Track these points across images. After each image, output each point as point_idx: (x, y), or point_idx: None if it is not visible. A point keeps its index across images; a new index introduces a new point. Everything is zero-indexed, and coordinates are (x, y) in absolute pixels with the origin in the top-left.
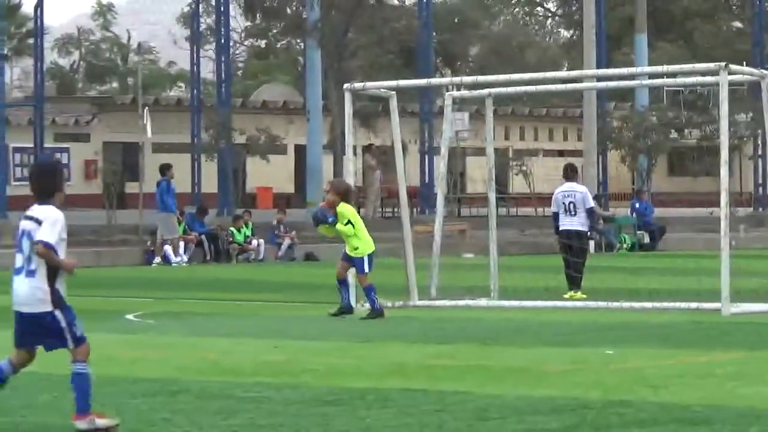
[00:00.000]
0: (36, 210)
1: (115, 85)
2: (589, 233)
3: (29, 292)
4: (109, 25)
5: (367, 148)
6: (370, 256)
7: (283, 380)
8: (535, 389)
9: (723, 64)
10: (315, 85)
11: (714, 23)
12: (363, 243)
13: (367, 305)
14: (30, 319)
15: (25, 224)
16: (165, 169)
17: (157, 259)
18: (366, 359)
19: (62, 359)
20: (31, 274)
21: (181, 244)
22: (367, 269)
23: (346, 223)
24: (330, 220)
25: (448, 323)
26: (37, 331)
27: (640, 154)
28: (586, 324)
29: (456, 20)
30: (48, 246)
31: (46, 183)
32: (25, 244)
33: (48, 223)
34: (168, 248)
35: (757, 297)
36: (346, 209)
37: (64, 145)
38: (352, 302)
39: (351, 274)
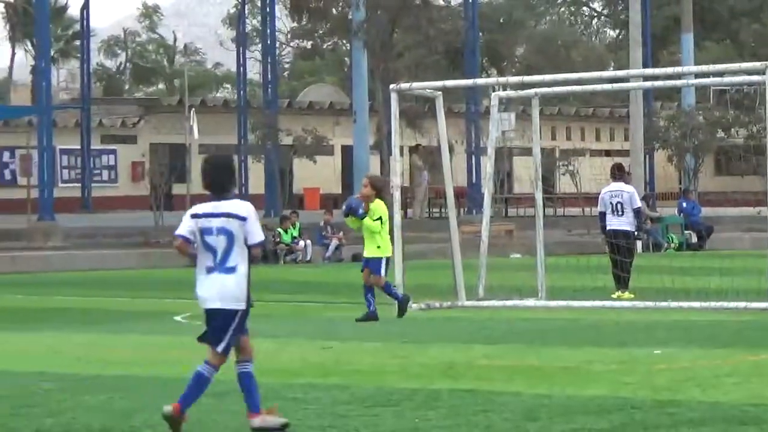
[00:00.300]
0: (226, 205)
1: (161, 86)
2: (636, 233)
3: (229, 288)
4: (155, 26)
5: (414, 149)
6: (387, 259)
7: (331, 381)
8: (583, 389)
9: None
10: (361, 85)
11: (760, 22)
12: (385, 244)
13: (415, 305)
14: (215, 314)
15: (214, 221)
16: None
17: None
18: (414, 360)
19: (109, 361)
20: (230, 270)
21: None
22: (383, 273)
23: (376, 219)
24: (360, 213)
25: (496, 323)
26: (217, 327)
27: (686, 154)
28: (634, 324)
29: (502, 20)
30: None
31: (223, 177)
32: (220, 240)
33: (255, 221)
34: None
35: None
36: (379, 205)
37: (111, 146)
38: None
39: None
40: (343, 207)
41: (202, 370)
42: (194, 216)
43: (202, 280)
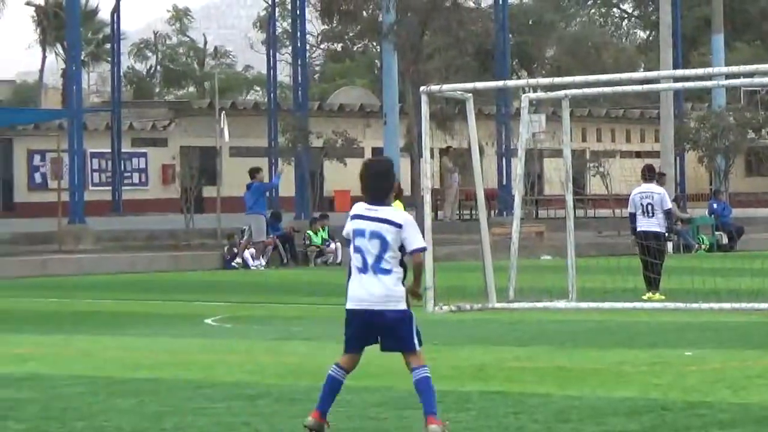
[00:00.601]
0: (382, 211)
1: (191, 89)
2: (666, 234)
3: (385, 290)
4: (185, 29)
5: (444, 151)
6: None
7: (362, 383)
8: (613, 391)
9: None
10: (392, 87)
11: None
12: None
13: (446, 307)
14: (377, 315)
15: (368, 225)
16: (255, 172)
17: (238, 260)
18: (445, 362)
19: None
20: (384, 272)
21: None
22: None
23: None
24: None
25: (527, 325)
26: (381, 330)
27: (717, 155)
28: (665, 325)
29: (532, 22)
30: (424, 252)
31: (383, 183)
32: (372, 244)
33: (413, 228)
34: (248, 252)
35: None
36: (401, 208)
37: (142, 149)
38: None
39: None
40: None
41: (426, 374)
42: (353, 217)
43: (353, 281)
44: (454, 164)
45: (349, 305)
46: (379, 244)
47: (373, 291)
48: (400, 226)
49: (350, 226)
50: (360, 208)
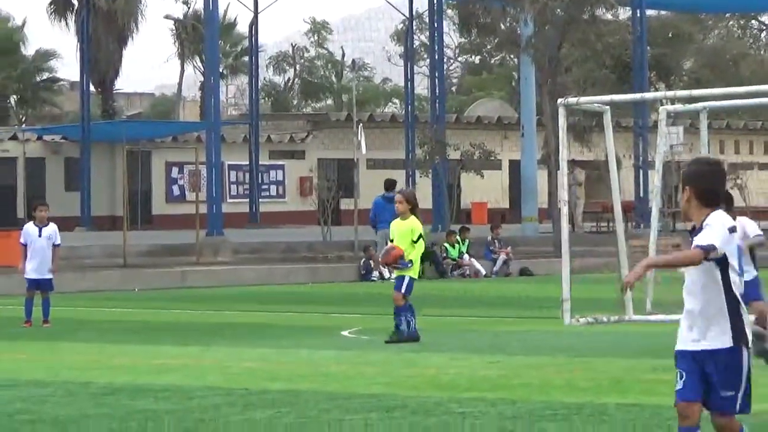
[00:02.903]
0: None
1: (329, 101)
2: None
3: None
4: (323, 42)
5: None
6: (412, 279)
7: (498, 395)
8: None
9: None
10: (529, 99)
11: None
12: (417, 263)
13: (583, 319)
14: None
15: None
16: (392, 185)
17: (375, 274)
18: (582, 374)
19: (277, 376)
20: None
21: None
22: (404, 291)
23: (417, 239)
24: (409, 265)
25: (664, 338)
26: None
27: None
28: None
29: (670, 34)
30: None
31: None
32: None
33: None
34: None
35: None
36: (416, 224)
37: (279, 162)
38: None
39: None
40: (384, 253)
41: None
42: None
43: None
44: (575, 178)
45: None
46: None
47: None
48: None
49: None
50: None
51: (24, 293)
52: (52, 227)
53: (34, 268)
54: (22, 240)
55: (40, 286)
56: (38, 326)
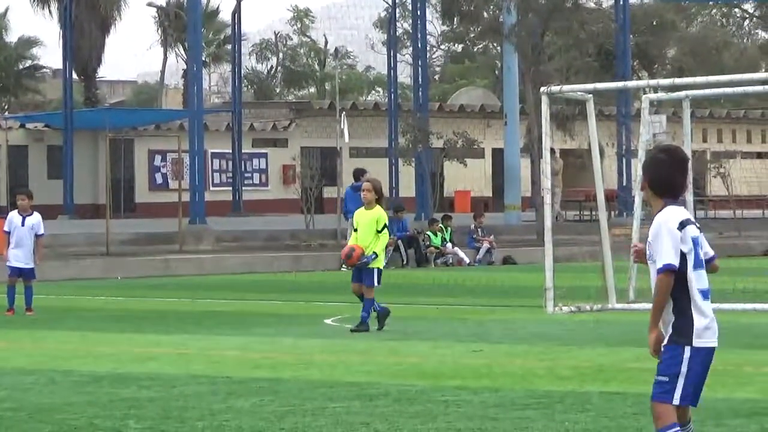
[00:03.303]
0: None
1: (312, 90)
2: None
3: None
4: (306, 30)
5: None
6: (380, 270)
7: (482, 384)
8: (734, 392)
9: None
10: (512, 88)
11: None
12: (382, 254)
13: (566, 307)
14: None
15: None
16: (362, 173)
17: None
18: (564, 362)
19: (260, 364)
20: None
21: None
22: (377, 283)
23: (382, 229)
24: (373, 257)
25: (647, 326)
26: None
27: None
28: None
29: (653, 22)
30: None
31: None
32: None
33: None
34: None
35: None
36: (382, 213)
37: (262, 150)
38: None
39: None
40: (345, 257)
41: None
42: (680, 226)
43: (706, 305)
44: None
45: (712, 341)
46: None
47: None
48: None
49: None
50: (679, 213)
51: (5, 281)
52: (36, 217)
53: (17, 256)
54: (5, 228)
55: (23, 274)
56: (21, 314)
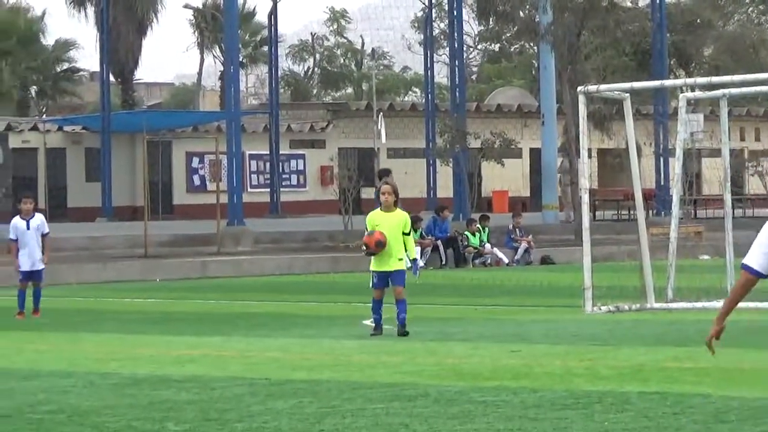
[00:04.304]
0: None
1: (349, 90)
2: None
3: None
4: (342, 30)
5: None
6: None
7: (521, 384)
8: None
9: None
10: (549, 88)
11: None
12: (412, 251)
13: (605, 307)
14: None
15: None
16: (382, 175)
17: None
18: (603, 362)
19: (299, 365)
20: None
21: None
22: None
23: (409, 231)
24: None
25: (685, 325)
26: None
27: None
28: None
29: (690, 21)
30: None
31: None
32: None
33: None
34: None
35: None
36: (406, 215)
37: (300, 151)
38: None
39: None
40: (375, 245)
41: None
42: None
43: None
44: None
45: None
46: None
47: None
48: None
49: None
50: None
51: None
52: (39, 218)
53: (26, 260)
54: (11, 236)
55: (33, 277)
56: (55, 317)
